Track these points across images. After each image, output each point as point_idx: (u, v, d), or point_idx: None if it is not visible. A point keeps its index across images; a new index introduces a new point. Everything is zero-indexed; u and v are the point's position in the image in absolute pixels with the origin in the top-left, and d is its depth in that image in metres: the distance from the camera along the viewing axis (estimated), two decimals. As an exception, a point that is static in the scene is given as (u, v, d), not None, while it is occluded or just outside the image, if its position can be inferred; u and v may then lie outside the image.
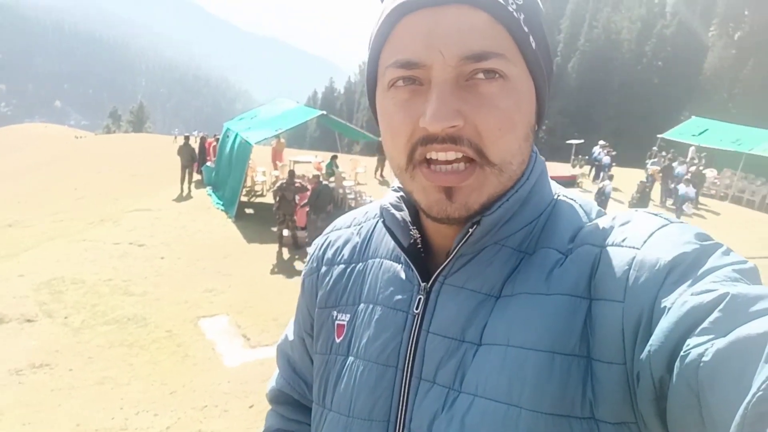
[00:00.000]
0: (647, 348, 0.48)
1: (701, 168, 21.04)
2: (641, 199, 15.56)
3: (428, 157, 0.58)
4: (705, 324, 0.44)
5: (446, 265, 0.64)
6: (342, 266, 0.77)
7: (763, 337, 0.39)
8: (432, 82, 0.56)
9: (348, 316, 0.73)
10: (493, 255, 0.63)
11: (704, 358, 0.42)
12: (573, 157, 26.15)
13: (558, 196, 0.67)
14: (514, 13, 0.56)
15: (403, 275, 0.69)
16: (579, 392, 0.53)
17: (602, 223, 0.61)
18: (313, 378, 0.77)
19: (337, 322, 0.74)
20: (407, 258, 0.67)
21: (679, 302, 0.47)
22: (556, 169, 23.95)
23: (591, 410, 0.52)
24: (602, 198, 15.02)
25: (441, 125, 0.54)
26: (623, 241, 0.56)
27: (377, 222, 0.78)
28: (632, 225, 0.57)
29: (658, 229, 0.55)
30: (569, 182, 21.96)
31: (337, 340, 0.73)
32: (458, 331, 0.61)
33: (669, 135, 25.61)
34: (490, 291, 0.61)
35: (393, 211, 0.69)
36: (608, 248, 0.56)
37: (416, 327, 0.65)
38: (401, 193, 0.70)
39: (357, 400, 0.67)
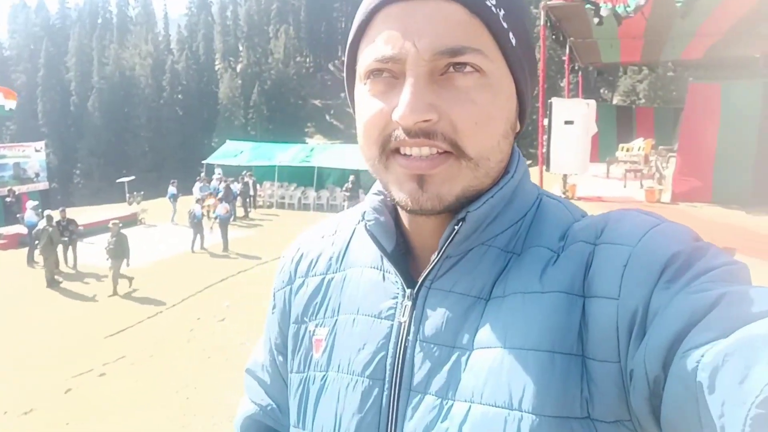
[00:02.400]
0: (642, 346, 0.48)
1: (248, 183, 23.37)
2: (197, 226, 16.16)
3: (402, 151, 0.57)
4: (703, 323, 0.44)
5: (432, 268, 0.61)
6: (318, 277, 0.73)
7: (766, 338, 0.39)
8: (406, 76, 0.55)
9: (326, 329, 0.69)
10: (481, 256, 0.61)
11: (704, 359, 0.42)
12: (128, 194, 25.28)
13: (541, 195, 0.67)
14: (493, 8, 0.55)
15: (386, 282, 0.66)
16: (577, 392, 0.52)
17: (594, 220, 0.60)
18: (290, 399, 0.72)
19: (314, 336, 0.70)
20: (390, 263, 0.64)
21: (674, 301, 0.47)
22: (111, 210, 22.78)
23: (587, 410, 0.51)
24: (194, 221, 15.65)
25: (413, 119, 0.53)
26: (617, 238, 0.55)
27: (355, 229, 0.74)
28: (626, 223, 0.57)
29: (653, 227, 0.55)
30: (131, 221, 21.22)
31: (315, 356, 0.69)
32: (448, 337, 0.59)
33: (212, 160, 27.50)
34: (480, 293, 0.59)
35: (375, 215, 0.66)
36: (602, 246, 0.56)
37: (403, 335, 0.61)
38: (382, 197, 0.67)
39: (342, 417, 0.63)
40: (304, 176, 24.31)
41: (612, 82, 43.64)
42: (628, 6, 6.63)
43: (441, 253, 0.60)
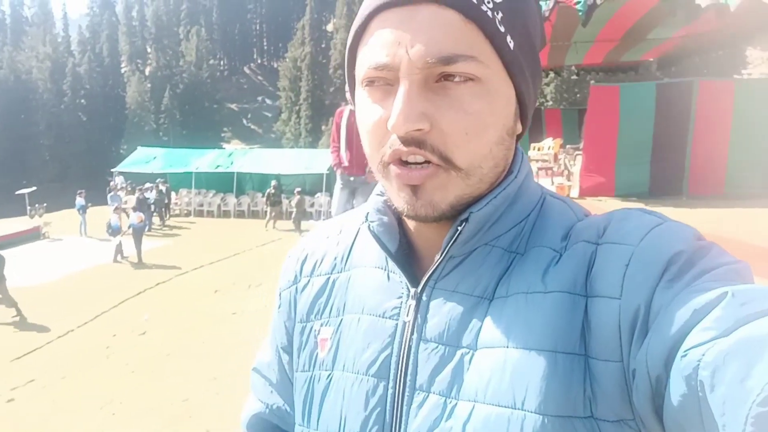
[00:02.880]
0: (644, 345, 0.48)
1: (162, 191, 22.42)
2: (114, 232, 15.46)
3: (401, 159, 0.57)
4: (705, 322, 0.44)
5: (436, 268, 0.62)
6: (323, 277, 0.74)
7: (767, 336, 0.40)
8: (399, 84, 0.55)
9: (332, 328, 0.69)
10: (484, 256, 0.61)
11: (705, 358, 0.42)
12: (30, 207, 23.53)
13: (544, 195, 0.67)
14: (489, 13, 0.54)
15: (391, 282, 0.66)
16: (580, 391, 0.52)
17: (596, 220, 0.60)
18: (295, 398, 0.73)
19: (319, 336, 0.70)
20: (394, 263, 0.65)
21: (676, 300, 0.47)
22: (11, 224, 21.16)
23: (591, 409, 0.52)
24: (111, 231, 15.34)
25: (405, 128, 0.53)
26: (620, 237, 0.56)
27: (359, 229, 0.74)
28: (628, 223, 0.57)
29: (655, 227, 0.55)
30: (33, 235, 19.87)
31: (321, 355, 0.69)
32: (452, 336, 0.59)
33: (123, 167, 26.18)
34: (483, 293, 0.60)
35: (378, 216, 0.66)
36: (605, 245, 0.56)
37: (408, 335, 0.62)
38: (385, 198, 0.67)
39: (347, 416, 0.63)
40: (223, 182, 23.72)
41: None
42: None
43: (445, 254, 0.61)
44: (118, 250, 15.26)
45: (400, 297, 0.64)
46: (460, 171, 0.56)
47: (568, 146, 11.52)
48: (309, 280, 0.75)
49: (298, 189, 19.89)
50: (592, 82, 9.07)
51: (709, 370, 0.41)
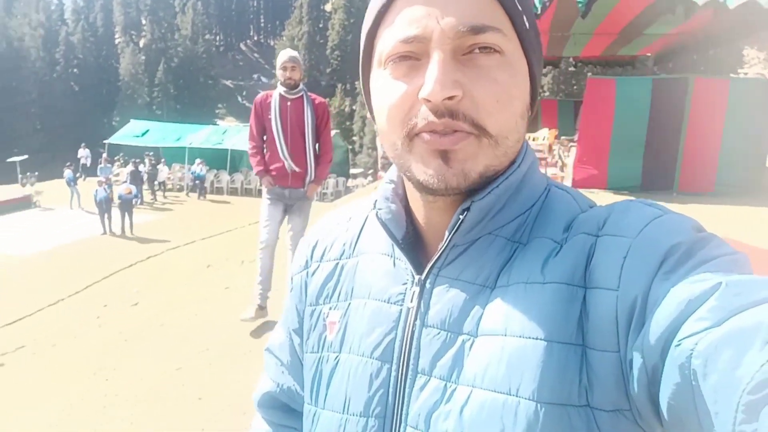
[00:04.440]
0: (641, 336, 0.49)
1: (156, 165, 22.31)
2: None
3: (430, 129, 0.58)
4: (699, 313, 0.45)
5: (440, 256, 0.63)
6: (332, 262, 0.76)
7: (758, 326, 0.41)
8: (431, 54, 0.56)
9: (339, 312, 0.71)
10: (488, 245, 0.63)
11: (698, 347, 0.43)
12: (21, 175, 23.34)
13: (550, 186, 0.68)
14: None
15: (396, 269, 0.68)
16: (576, 380, 0.53)
17: (597, 212, 0.61)
18: (305, 378, 0.76)
19: (328, 319, 0.73)
20: (401, 251, 0.67)
21: (672, 291, 0.48)
22: (2, 192, 21.01)
23: (586, 398, 0.53)
24: (98, 203, 15.25)
25: (442, 94, 0.54)
26: (619, 230, 0.57)
27: (368, 216, 0.76)
28: (628, 214, 0.58)
29: (654, 219, 0.56)
30: (24, 203, 19.77)
31: (329, 338, 0.71)
32: (454, 323, 0.60)
33: (114, 140, 25.95)
34: (485, 282, 0.61)
35: (386, 203, 0.68)
36: (604, 237, 0.57)
37: (411, 320, 0.63)
38: (394, 186, 0.70)
39: (352, 396, 0.66)
40: (217, 159, 23.57)
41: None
42: (536, 5, 7.02)
43: (448, 242, 0.62)
44: (105, 222, 15.22)
45: (405, 283, 0.66)
46: (491, 138, 0.57)
47: (562, 137, 11.58)
48: (319, 265, 0.77)
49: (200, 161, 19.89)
50: (590, 74, 9.11)
51: (701, 359, 0.42)
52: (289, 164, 4.25)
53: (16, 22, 65.03)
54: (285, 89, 4.24)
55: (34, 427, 3.56)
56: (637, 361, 0.49)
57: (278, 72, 4.27)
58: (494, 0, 0.57)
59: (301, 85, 4.29)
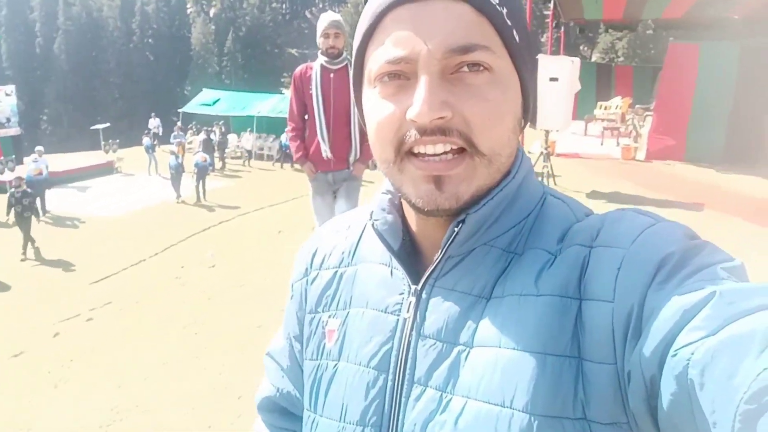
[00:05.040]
0: (637, 347, 0.49)
1: (226, 134, 23.06)
2: (175, 177, 16.16)
3: (417, 151, 0.58)
4: (694, 322, 0.45)
5: (435, 267, 0.64)
6: (331, 270, 0.76)
7: (753, 334, 0.41)
8: (419, 75, 0.56)
9: (338, 320, 0.72)
10: (483, 256, 0.63)
11: (694, 356, 0.43)
12: (104, 142, 24.74)
13: (546, 195, 0.67)
14: (497, 6, 0.57)
15: (393, 278, 0.68)
16: (571, 393, 0.53)
17: (591, 223, 0.61)
18: (304, 384, 0.76)
19: (327, 327, 0.73)
20: (397, 261, 0.67)
21: (667, 301, 0.48)
22: (87, 158, 22.38)
23: (583, 411, 0.53)
24: (171, 171, 15.92)
25: (430, 116, 0.55)
26: (612, 241, 0.57)
27: (366, 225, 0.76)
28: (620, 224, 0.58)
29: (647, 228, 0.56)
30: (107, 169, 20.98)
31: (328, 345, 0.72)
32: (450, 333, 0.61)
33: (188, 109, 26.94)
34: (481, 293, 0.61)
35: (383, 214, 0.68)
36: (597, 248, 0.57)
37: (408, 330, 0.64)
38: (390, 196, 0.70)
39: (349, 405, 0.66)
40: (283, 127, 23.98)
41: (592, 39, 43.47)
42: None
43: (443, 253, 0.63)
44: (178, 189, 15.94)
45: (402, 293, 0.66)
46: (483, 157, 0.58)
47: (637, 106, 11.09)
48: (318, 273, 0.78)
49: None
50: (671, 39, 8.62)
51: (698, 368, 0.42)
52: (325, 149, 3.79)
53: (96, -6, 67.81)
54: (327, 59, 3.79)
55: (134, 377, 3.90)
56: (634, 372, 0.49)
57: (319, 40, 3.79)
58: (482, 17, 0.56)
59: (345, 54, 3.82)
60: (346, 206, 3.88)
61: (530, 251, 0.61)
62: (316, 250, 0.80)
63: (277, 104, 25.51)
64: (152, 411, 3.43)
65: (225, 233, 10.89)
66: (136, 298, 7.30)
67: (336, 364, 0.70)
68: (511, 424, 0.54)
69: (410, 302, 0.65)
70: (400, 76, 0.58)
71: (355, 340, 0.68)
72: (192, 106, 27.08)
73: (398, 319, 0.65)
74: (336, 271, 0.76)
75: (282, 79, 75.82)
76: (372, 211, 0.70)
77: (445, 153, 0.57)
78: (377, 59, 0.59)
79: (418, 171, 0.58)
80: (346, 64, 3.84)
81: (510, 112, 0.59)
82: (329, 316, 0.74)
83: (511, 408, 0.54)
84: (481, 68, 0.56)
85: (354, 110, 3.54)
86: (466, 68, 0.56)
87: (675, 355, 0.45)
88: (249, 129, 23.55)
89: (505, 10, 0.57)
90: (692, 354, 0.43)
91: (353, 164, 3.92)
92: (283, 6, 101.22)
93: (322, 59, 3.80)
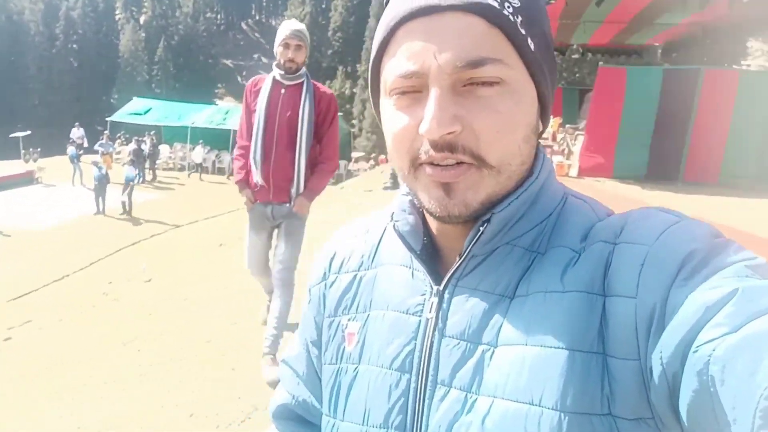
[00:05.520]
0: (659, 343, 0.49)
1: (158, 145, 22.28)
2: (98, 188, 15.41)
3: (434, 162, 0.59)
4: (716, 319, 0.45)
5: (458, 266, 0.64)
6: (351, 274, 0.76)
7: None
8: (430, 89, 0.57)
9: (358, 324, 0.71)
10: (505, 255, 0.63)
11: (715, 353, 0.43)
12: (24, 151, 23.28)
13: (567, 195, 0.68)
14: (510, 17, 0.56)
15: (415, 280, 0.68)
16: (598, 389, 0.53)
17: (614, 220, 0.62)
18: (323, 389, 0.75)
19: (347, 330, 0.72)
20: (419, 262, 0.67)
21: (690, 298, 0.48)
22: (5, 167, 21.02)
23: (608, 407, 0.53)
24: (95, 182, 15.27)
25: (439, 132, 0.55)
26: (635, 237, 0.57)
27: (386, 228, 0.76)
28: (644, 222, 0.58)
29: (671, 226, 0.56)
30: (27, 179, 19.78)
31: (348, 349, 0.71)
32: (473, 333, 0.61)
33: (117, 117, 25.86)
34: (504, 292, 0.61)
35: (404, 215, 0.68)
36: (621, 245, 0.57)
37: (430, 331, 0.64)
38: (411, 197, 0.69)
39: (372, 408, 0.66)
40: (219, 139, 23.47)
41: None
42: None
43: (466, 253, 0.62)
44: (98, 201, 15.25)
45: (424, 294, 0.66)
46: (492, 169, 0.58)
47: (567, 126, 11.62)
48: (337, 277, 0.77)
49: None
50: (601, 63, 9.13)
51: (719, 365, 0.42)
52: (256, 174, 3.22)
53: (15, -5, 64.19)
54: (281, 72, 3.23)
55: (75, 400, 3.66)
56: (657, 368, 0.49)
57: (277, 49, 3.23)
58: (494, 28, 0.56)
59: (304, 69, 3.28)
60: (285, 251, 3.32)
61: (553, 249, 0.61)
62: (334, 254, 0.80)
63: (213, 115, 25.01)
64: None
65: (157, 247, 10.46)
66: (60, 316, 6.87)
67: (356, 368, 0.69)
68: (540, 423, 0.53)
69: (432, 303, 0.64)
70: (414, 88, 0.58)
71: (377, 342, 0.68)
72: (121, 115, 26.07)
73: (420, 320, 0.65)
74: (356, 275, 0.75)
75: (216, 90, 74.29)
76: (393, 213, 0.70)
77: (458, 163, 0.58)
78: (391, 71, 0.59)
79: (428, 178, 0.59)
80: (303, 82, 3.26)
81: (523, 121, 0.59)
82: (349, 320, 0.73)
83: (540, 406, 0.54)
84: (493, 81, 0.56)
85: (302, 133, 3.21)
86: (478, 81, 0.56)
87: (696, 351, 0.45)
88: (201, 141, 22.89)
89: (519, 19, 0.57)
90: (713, 350, 0.43)
91: (295, 199, 3.27)
92: (218, 16, 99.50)
93: (276, 72, 3.26)
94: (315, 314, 0.79)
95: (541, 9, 0.61)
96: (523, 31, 0.57)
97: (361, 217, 0.83)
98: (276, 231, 3.44)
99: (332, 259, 0.80)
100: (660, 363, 0.48)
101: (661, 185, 7.79)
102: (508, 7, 0.56)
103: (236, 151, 3.45)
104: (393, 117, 0.60)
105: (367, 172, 20.98)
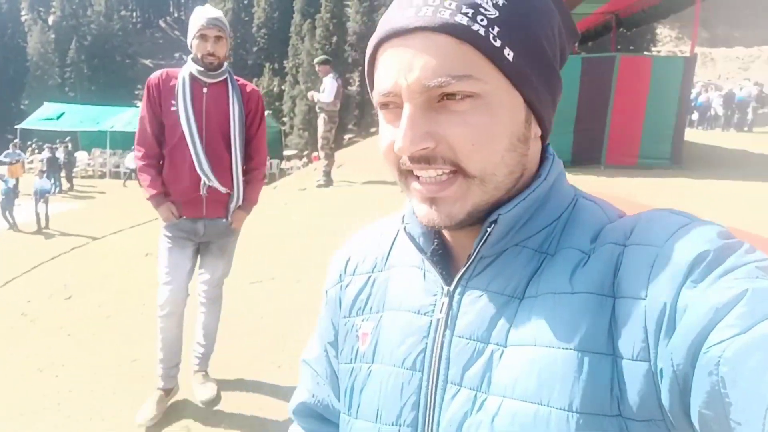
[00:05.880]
0: (670, 345, 0.49)
1: (71, 151, 21.06)
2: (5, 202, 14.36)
3: (415, 173, 0.61)
4: (727, 320, 0.45)
5: (468, 267, 0.65)
6: (365, 276, 0.78)
7: None
8: (402, 108, 0.58)
9: (372, 324, 0.73)
10: (515, 257, 0.64)
11: (725, 354, 0.43)
12: None
13: (577, 197, 0.68)
14: (481, 30, 0.55)
15: (426, 281, 0.70)
16: (607, 390, 0.53)
17: (625, 222, 0.62)
18: (339, 388, 0.78)
19: (360, 330, 0.75)
20: (430, 263, 0.68)
21: (701, 299, 0.48)
22: None
23: (618, 408, 0.53)
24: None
25: (410, 149, 0.57)
26: (645, 239, 0.57)
27: (399, 231, 0.78)
28: (654, 223, 0.59)
29: (681, 227, 0.56)
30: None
31: (362, 349, 0.73)
32: (483, 333, 0.62)
33: (28, 124, 24.25)
34: (514, 292, 0.62)
35: (413, 218, 0.69)
36: (631, 247, 0.57)
37: (441, 331, 0.65)
38: None
39: (384, 406, 0.68)
40: (141, 143, 22.51)
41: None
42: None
43: (475, 254, 0.63)
44: (7, 216, 14.25)
45: (435, 295, 0.67)
46: (474, 178, 0.58)
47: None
48: (352, 279, 0.79)
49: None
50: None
51: (729, 366, 0.43)
52: (209, 176, 2.75)
53: None
54: (200, 68, 2.76)
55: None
56: (668, 370, 0.49)
57: (192, 42, 2.76)
58: (464, 44, 0.55)
59: (226, 65, 2.85)
60: (217, 271, 2.95)
61: (563, 251, 0.61)
62: (349, 258, 0.82)
63: (133, 118, 23.87)
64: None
65: (79, 260, 9.84)
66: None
67: (370, 367, 0.71)
68: (549, 423, 0.54)
69: (443, 303, 0.65)
70: (395, 104, 0.60)
71: (389, 342, 0.69)
72: (32, 122, 24.47)
73: (431, 320, 0.66)
74: (369, 276, 0.77)
75: (136, 92, 71.25)
76: (404, 216, 0.71)
77: (438, 175, 0.59)
78: (375, 88, 0.62)
79: (415, 191, 0.62)
80: (226, 79, 2.83)
81: (502, 132, 0.58)
82: (362, 320, 0.75)
83: (548, 406, 0.54)
84: (465, 96, 0.56)
85: (236, 136, 2.83)
86: (450, 97, 0.56)
87: (707, 352, 0.45)
88: (133, 147, 21.72)
89: (495, 30, 0.56)
90: (724, 351, 0.43)
91: (232, 212, 2.88)
92: (134, 15, 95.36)
93: (193, 67, 2.76)
94: (332, 316, 0.82)
95: (527, 14, 0.59)
96: (497, 44, 0.56)
97: (375, 223, 0.86)
98: (197, 256, 2.96)
99: (347, 262, 0.82)
100: (670, 364, 0.49)
101: (585, 170, 8.10)
102: (482, 20, 0.56)
103: (140, 161, 2.81)
104: (382, 130, 0.63)
105: (300, 170, 20.66)
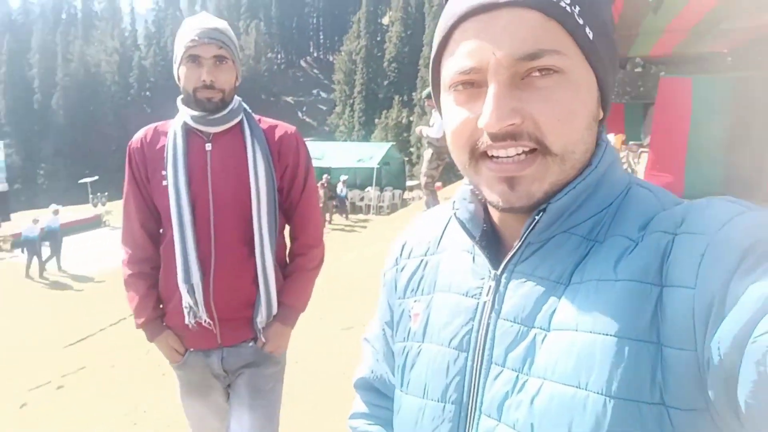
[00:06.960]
0: (718, 334, 0.48)
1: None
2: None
3: (490, 154, 0.60)
4: None
5: (515, 253, 0.65)
6: (418, 259, 0.80)
7: None
8: (489, 83, 0.58)
9: (423, 304, 0.75)
10: (562, 243, 0.63)
11: None
12: (92, 196, 24.62)
13: (631, 185, 0.66)
14: (567, 8, 0.57)
15: (475, 264, 0.70)
16: (648, 377, 0.53)
17: (677, 211, 0.60)
18: (395, 365, 0.80)
19: (413, 310, 0.77)
20: (479, 248, 0.69)
21: (750, 289, 0.47)
22: (74, 212, 22.19)
23: (660, 396, 0.52)
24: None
25: (498, 125, 0.57)
26: (697, 228, 0.55)
27: (450, 216, 0.79)
28: (708, 211, 0.57)
29: (735, 216, 0.54)
30: (95, 223, 20.77)
31: (413, 328, 0.75)
32: (527, 316, 0.62)
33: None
34: (559, 278, 0.62)
35: (464, 204, 0.71)
36: (681, 235, 0.56)
37: (487, 313, 0.66)
38: (472, 186, 0.71)
39: (430, 383, 0.70)
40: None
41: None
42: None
43: (523, 241, 0.63)
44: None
45: (483, 278, 0.68)
46: (555, 156, 0.58)
47: (631, 143, 10.95)
48: (407, 262, 0.82)
49: (344, 177, 19.91)
50: (663, 73, 8.52)
51: None
52: (192, 306, 1.69)
53: (94, 49, 69.44)
54: (195, 113, 1.70)
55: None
56: (715, 359, 0.48)
57: (179, 70, 1.71)
58: (551, 20, 0.56)
59: (238, 102, 1.80)
60: (254, 417, 1.78)
61: (611, 239, 0.61)
62: (405, 243, 0.85)
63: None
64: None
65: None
66: (112, 362, 6.84)
67: (420, 346, 0.73)
68: (586, 406, 0.54)
69: (490, 286, 0.67)
70: (473, 84, 0.59)
71: (438, 322, 0.71)
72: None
73: (478, 303, 0.67)
74: (422, 260, 0.79)
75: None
76: (455, 201, 0.72)
77: (518, 155, 0.58)
78: (450, 68, 0.61)
79: (491, 173, 0.61)
80: (240, 123, 1.77)
81: (582, 110, 0.59)
82: (415, 301, 0.77)
83: (586, 390, 0.55)
84: (551, 71, 0.57)
85: (262, 218, 1.72)
86: (536, 73, 0.57)
87: (755, 342, 0.45)
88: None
89: (577, 9, 0.57)
90: None
91: (264, 329, 1.79)
92: (279, 56, 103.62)
93: (185, 114, 1.73)
94: (388, 297, 0.85)
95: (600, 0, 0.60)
96: (581, 21, 0.58)
97: (431, 209, 0.87)
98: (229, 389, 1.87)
99: (403, 246, 0.85)
100: (718, 354, 0.48)
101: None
102: None
103: (126, 269, 1.81)
104: (453, 112, 0.62)
105: (422, 199, 20.62)
